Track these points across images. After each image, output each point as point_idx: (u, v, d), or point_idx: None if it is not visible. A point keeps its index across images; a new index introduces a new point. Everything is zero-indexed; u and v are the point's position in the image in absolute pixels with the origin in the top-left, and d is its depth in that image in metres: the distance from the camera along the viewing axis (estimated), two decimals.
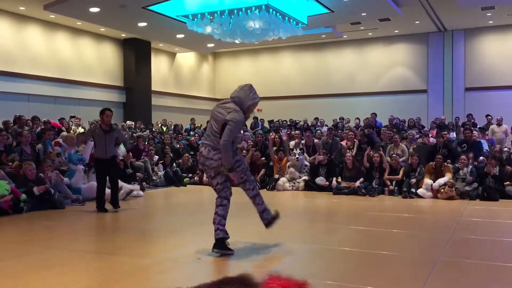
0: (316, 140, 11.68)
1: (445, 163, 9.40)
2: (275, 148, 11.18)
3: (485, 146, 10.62)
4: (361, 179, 9.59)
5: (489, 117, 14.23)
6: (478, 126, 13.40)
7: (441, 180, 8.96)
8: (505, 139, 12.23)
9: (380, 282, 3.85)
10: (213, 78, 24.08)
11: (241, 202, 5.28)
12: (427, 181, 9.09)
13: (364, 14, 15.59)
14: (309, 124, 16.10)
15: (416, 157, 9.65)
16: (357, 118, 15.98)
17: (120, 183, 8.35)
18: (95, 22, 15.28)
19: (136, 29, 16.26)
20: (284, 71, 22.47)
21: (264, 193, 10.07)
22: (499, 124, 12.74)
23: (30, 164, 7.81)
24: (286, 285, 1.72)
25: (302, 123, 16.79)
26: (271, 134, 11.62)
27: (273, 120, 17.88)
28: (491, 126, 12.89)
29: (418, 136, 12.20)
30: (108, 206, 7.59)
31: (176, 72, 21.84)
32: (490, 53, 18.96)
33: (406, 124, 15.00)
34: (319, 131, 13.09)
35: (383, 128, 12.62)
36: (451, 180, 8.95)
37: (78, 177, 8.69)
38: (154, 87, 19.53)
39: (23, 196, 7.40)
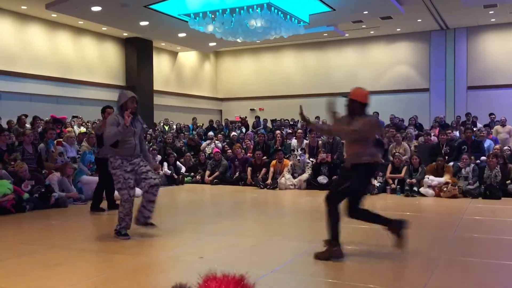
0: (320, 142, 11.63)
1: (446, 163, 9.38)
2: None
3: (491, 147, 10.54)
4: None
5: (493, 116, 14.20)
6: (483, 124, 13.36)
7: (440, 180, 8.97)
8: (509, 139, 12.21)
9: (381, 281, 3.84)
10: (215, 77, 24.07)
11: (240, 201, 5.27)
12: (427, 178, 9.10)
13: (366, 12, 15.55)
14: None
15: (416, 158, 9.62)
16: None
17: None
18: (97, 21, 15.29)
19: (138, 28, 16.27)
20: (286, 70, 22.45)
21: (265, 192, 10.18)
22: (503, 124, 12.74)
23: (23, 165, 7.81)
24: (224, 284, 1.65)
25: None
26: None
27: (275, 119, 17.85)
28: (496, 127, 12.88)
29: (415, 133, 12.26)
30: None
31: (178, 71, 21.84)
32: (492, 51, 18.90)
33: (407, 123, 14.92)
34: None
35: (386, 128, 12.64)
36: (448, 181, 8.94)
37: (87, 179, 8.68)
38: (156, 87, 19.54)
39: (26, 195, 7.43)
